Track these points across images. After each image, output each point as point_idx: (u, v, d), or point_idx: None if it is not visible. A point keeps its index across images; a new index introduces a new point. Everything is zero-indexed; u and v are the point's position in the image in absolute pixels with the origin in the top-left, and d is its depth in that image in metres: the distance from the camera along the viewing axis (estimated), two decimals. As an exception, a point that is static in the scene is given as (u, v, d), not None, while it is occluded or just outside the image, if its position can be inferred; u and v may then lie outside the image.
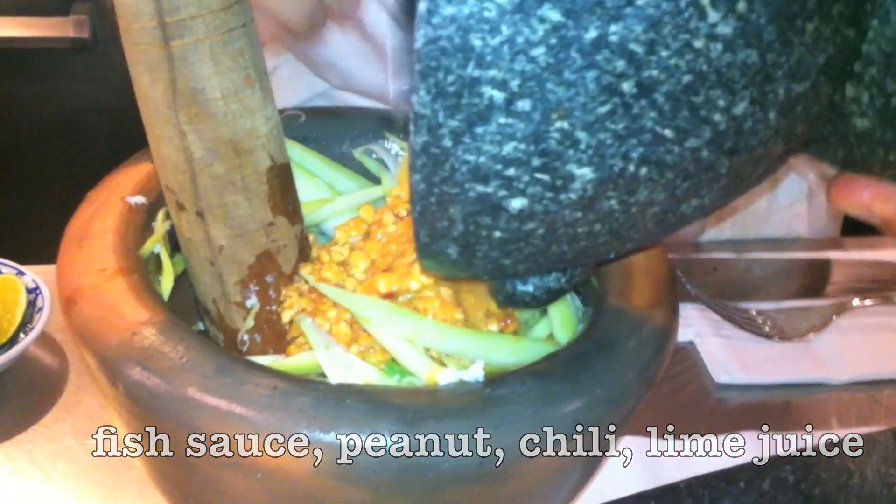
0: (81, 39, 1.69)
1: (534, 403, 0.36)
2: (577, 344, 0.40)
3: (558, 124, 0.29)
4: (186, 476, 0.39)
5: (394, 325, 0.40)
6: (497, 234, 0.33)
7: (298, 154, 0.51)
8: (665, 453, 0.65)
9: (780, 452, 0.60)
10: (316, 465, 0.34)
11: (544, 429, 0.36)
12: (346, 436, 0.34)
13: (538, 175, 0.30)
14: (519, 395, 0.36)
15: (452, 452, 0.34)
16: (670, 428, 0.67)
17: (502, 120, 0.29)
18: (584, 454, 0.39)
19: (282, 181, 0.44)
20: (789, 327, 0.76)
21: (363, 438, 0.34)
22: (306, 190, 0.50)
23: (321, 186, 0.51)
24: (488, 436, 0.35)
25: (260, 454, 0.35)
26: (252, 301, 0.45)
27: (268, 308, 0.45)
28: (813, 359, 0.74)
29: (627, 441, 0.65)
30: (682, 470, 0.60)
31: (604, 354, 0.39)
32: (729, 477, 0.57)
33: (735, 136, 0.31)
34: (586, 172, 0.30)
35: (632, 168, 0.31)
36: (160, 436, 0.37)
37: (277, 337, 0.45)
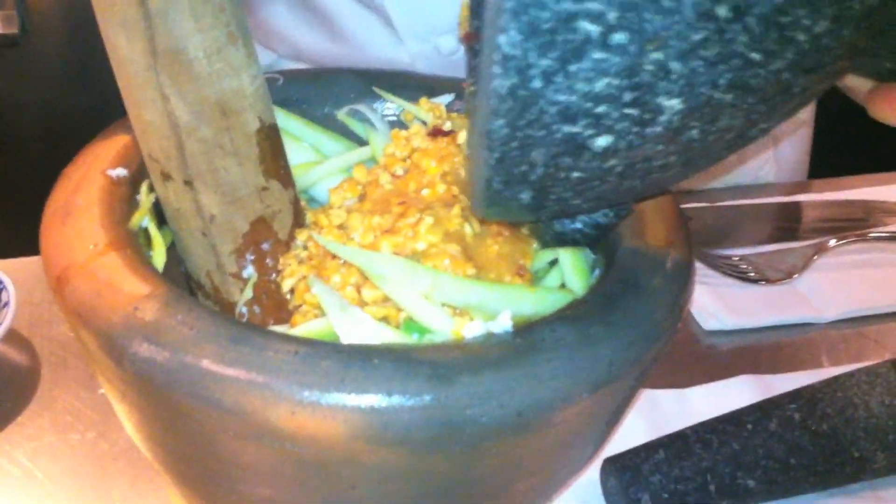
0: (10, 35, 1.63)
1: (568, 348, 0.35)
2: (602, 287, 0.38)
3: (653, 55, 0.28)
4: (205, 456, 0.36)
5: (411, 281, 0.38)
6: (576, 174, 0.32)
7: (281, 118, 0.49)
8: (663, 404, 0.64)
9: (778, 393, 0.60)
10: (349, 429, 0.32)
11: (581, 374, 0.34)
12: (379, 396, 0.32)
13: (627, 110, 0.30)
14: (552, 342, 0.35)
15: (490, 406, 0.33)
16: (664, 377, 0.67)
17: (597, 55, 0.28)
18: (619, 398, 0.38)
19: (271, 143, 0.42)
20: (771, 270, 0.76)
21: (396, 398, 0.32)
22: (292, 155, 0.48)
23: (307, 150, 0.49)
24: (526, 386, 0.33)
25: (288, 423, 0.33)
26: (249, 271, 0.43)
27: (266, 277, 0.43)
28: (798, 299, 0.74)
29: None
30: (686, 418, 0.59)
31: (631, 294, 0.38)
32: (736, 420, 0.57)
33: (814, 55, 0.31)
34: (675, 104, 0.30)
35: (718, 95, 0.30)
36: (175, 414, 0.35)
37: (277, 307, 0.43)
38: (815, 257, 0.77)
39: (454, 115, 0.49)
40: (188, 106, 0.39)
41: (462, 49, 0.74)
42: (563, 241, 0.40)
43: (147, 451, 0.40)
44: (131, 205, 0.42)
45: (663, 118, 0.30)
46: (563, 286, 0.43)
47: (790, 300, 0.74)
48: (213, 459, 0.36)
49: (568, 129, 0.30)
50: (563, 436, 0.36)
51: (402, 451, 0.33)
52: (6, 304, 0.64)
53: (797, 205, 0.86)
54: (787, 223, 0.83)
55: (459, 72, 0.77)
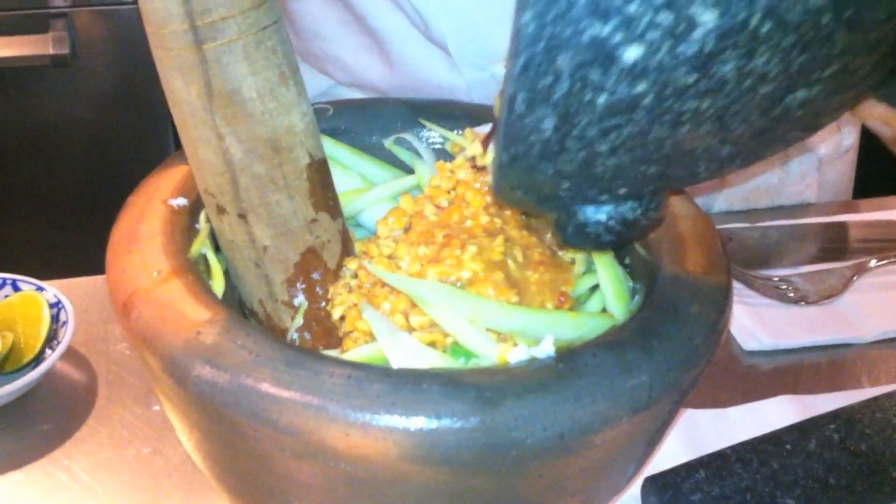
0: (61, 56, 1.68)
1: (609, 374, 0.36)
2: (642, 313, 0.40)
3: None
4: (262, 473, 0.38)
5: (456, 306, 0.40)
6: (603, 98, 0.31)
7: (330, 147, 0.51)
8: (702, 423, 0.65)
9: (818, 413, 0.60)
10: (398, 450, 0.34)
11: (622, 398, 0.36)
12: (427, 418, 0.34)
13: (661, 16, 0.28)
14: (593, 367, 0.36)
15: (534, 429, 0.34)
16: (704, 397, 0.68)
17: None
18: (659, 420, 0.39)
19: (321, 176, 0.44)
20: (811, 291, 0.77)
21: (444, 420, 0.34)
22: (340, 182, 0.50)
23: (354, 178, 0.51)
24: (568, 409, 0.35)
25: (341, 443, 0.34)
26: (300, 299, 0.45)
27: (316, 305, 0.45)
28: (838, 320, 0.75)
29: (665, 413, 0.65)
30: (726, 438, 0.60)
31: (670, 320, 0.39)
32: (775, 440, 0.57)
33: (855, 2, 0.30)
34: (710, 18, 0.29)
35: (755, 20, 0.29)
36: (234, 433, 0.37)
37: (327, 333, 0.45)
38: (856, 278, 0.77)
39: (497, 144, 0.50)
40: (242, 144, 0.41)
41: None
42: (584, 235, 0.37)
43: (205, 468, 0.42)
44: (191, 233, 0.45)
45: (697, 34, 0.29)
46: (604, 310, 0.45)
47: (830, 321, 0.75)
48: (268, 476, 0.38)
49: (598, 28, 0.29)
50: (605, 457, 0.38)
51: (448, 471, 0.35)
52: (65, 323, 0.67)
53: (838, 225, 0.87)
54: (828, 243, 0.84)
55: None
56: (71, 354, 0.69)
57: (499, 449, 0.35)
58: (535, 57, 0.30)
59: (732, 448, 0.58)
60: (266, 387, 0.35)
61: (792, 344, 0.72)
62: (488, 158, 0.42)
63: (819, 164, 0.94)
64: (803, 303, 0.76)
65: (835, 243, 0.84)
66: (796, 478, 0.56)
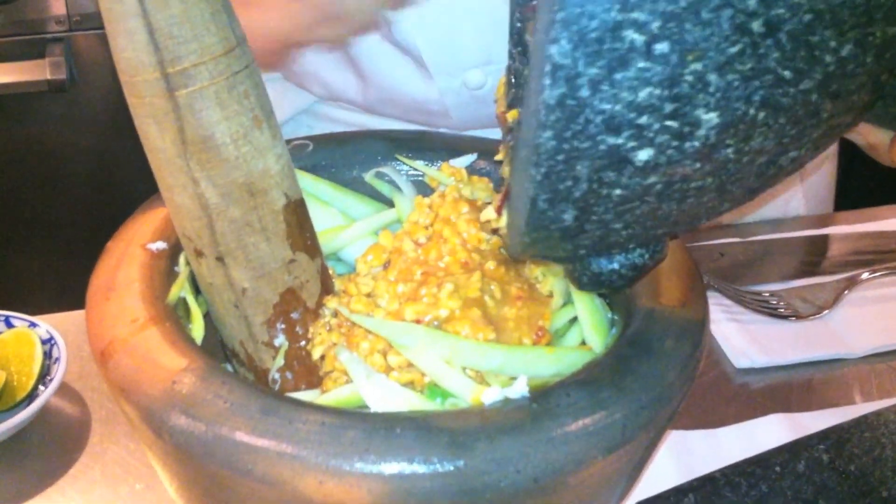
0: (58, 81, 1.68)
1: (581, 413, 0.36)
2: (616, 349, 0.40)
3: (692, 66, 0.30)
4: (241, 520, 0.39)
5: (431, 348, 0.40)
6: (617, 192, 0.33)
7: (310, 183, 0.51)
8: (694, 444, 0.65)
9: (809, 431, 0.60)
10: (373, 497, 0.34)
11: (595, 437, 0.36)
12: (401, 464, 0.34)
13: (668, 122, 0.31)
14: (566, 407, 0.36)
15: (507, 472, 0.35)
16: (696, 417, 0.68)
17: (641, 64, 0.30)
18: (636, 456, 0.39)
19: (298, 217, 0.44)
20: (802, 306, 0.77)
21: (418, 466, 0.34)
22: (321, 219, 0.50)
23: (335, 214, 0.51)
24: (542, 451, 0.35)
25: (316, 492, 0.35)
26: (280, 339, 0.45)
27: (297, 345, 0.45)
28: (829, 335, 0.75)
29: (657, 435, 0.65)
30: (716, 459, 0.60)
31: (644, 357, 0.39)
32: (764, 461, 0.58)
33: (839, 78, 0.32)
34: (712, 117, 0.31)
35: (752, 112, 0.32)
36: (211, 482, 0.37)
37: (309, 372, 0.45)
38: (846, 292, 0.77)
39: (475, 178, 0.50)
40: (217, 189, 0.41)
41: (487, 83, 0.76)
42: (599, 283, 0.40)
43: (189, 512, 0.42)
44: (171, 276, 0.45)
45: (700, 132, 0.32)
46: (583, 342, 0.45)
47: (821, 336, 0.75)
48: (249, 524, 0.38)
49: (612, 140, 0.32)
50: (582, 495, 0.38)
51: (424, 516, 0.35)
52: (57, 359, 0.67)
53: (828, 238, 0.87)
54: (819, 257, 0.84)
55: (485, 105, 0.78)
56: (64, 390, 0.69)
57: (473, 493, 0.35)
58: (556, 166, 0.33)
59: (721, 471, 0.58)
60: (241, 436, 0.35)
61: (784, 361, 0.72)
62: (503, 222, 0.44)
63: (802, 172, 0.95)
64: (794, 318, 0.76)
65: (824, 256, 0.84)
66: (785, 500, 0.56)
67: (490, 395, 0.38)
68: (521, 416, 0.36)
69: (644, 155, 0.32)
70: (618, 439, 0.36)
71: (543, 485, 0.35)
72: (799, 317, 0.76)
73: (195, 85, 0.40)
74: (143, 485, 0.62)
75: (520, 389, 0.38)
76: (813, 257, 0.84)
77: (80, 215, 1.66)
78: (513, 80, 0.43)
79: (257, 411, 0.36)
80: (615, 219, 0.35)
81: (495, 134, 0.47)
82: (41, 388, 0.67)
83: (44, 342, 0.69)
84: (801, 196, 0.95)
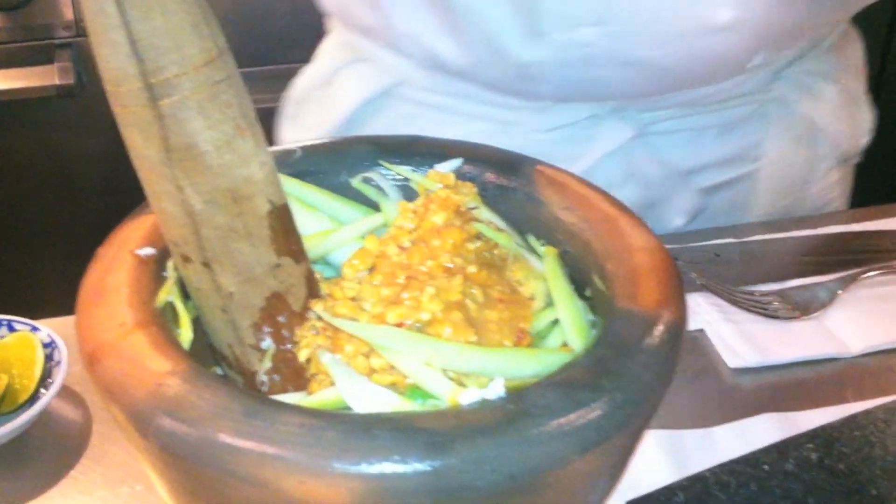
0: (67, 86, 1.70)
1: (558, 414, 0.37)
2: (593, 350, 0.40)
3: None
4: (227, 519, 0.39)
5: (412, 350, 0.41)
6: None
7: (298, 189, 0.52)
8: (688, 444, 0.66)
9: (802, 430, 0.61)
10: (353, 496, 0.35)
11: (571, 437, 0.36)
12: (379, 465, 0.35)
13: None
14: (542, 408, 0.37)
15: (484, 471, 0.35)
16: (689, 417, 0.68)
17: None
18: (613, 457, 0.40)
19: (282, 223, 0.45)
20: (797, 305, 0.77)
21: (396, 466, 0.35)
22: (309, 224, 0.51)
23: (323, 219, 0.52)
24: (517, 451, 0.36)
25: (297, 492, 0.35)
26: (267, 343, 0.46)
27: (283, 347, 0.46)
28: (824, 334, 0.75)
29: (648, 433, 0.66)
30: (709, 458, 0.61)
31: (620, 358, 0.40)
32: (753, 461, 0.58)
33: None
34: None
35: None
36: (198, 483, 0.38)
37: (296, 375, 0.46)
38: (842, 291, 0.78)
39: (460, 182, 0.51)
40: (202, 196, 0.42)
41: (599, 44, 0.75)
42: None
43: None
44: (159, 281, 0.46)
45: None
46: (565, 344, 0.46)
47: (816, 335, 0.75)
48: (235, 524, 0.39)
49: None
50: (560, 494, 0.39)
51: (404, 516, 0.36)
52: (58, 362, 0.68)
53: (825, 237, 0.87)
54: (814, 257, 0.84)
55: (592, 67, 0.78)
56: (65, 393, 0.70)
57: (451, 492, 0.35)
58: None
59: (711, 470, 0.58)
60: (224, 437, 0.36)
61: (778, 360, 0.73)
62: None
63: (843, 160, 0.96)
64: (789, 318, 0.76)
65: (820, 256, 0.84)
66: (774, 499, 0.56)
67: (467, 397, 0.39)
68: (497, 416, 0.37)
69: None
70: (594, 439, 0.37)
71: (520, 484, 0.36)
72: (793, 317, 0.76)
73: (177, 95, 0.40)
74: (143, 486, 0.63)
75: (497, 390, 0.39)
76: (808, 257, 0.84)
77: (86, 219, 1.67)
78: None
79: (240, 413, 0.37)
80: None
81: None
82: (42, 391, 0.68)
83: (45, 346, 0.70)
84: (846, 184, 0.97)
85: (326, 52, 1.01)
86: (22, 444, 0.66)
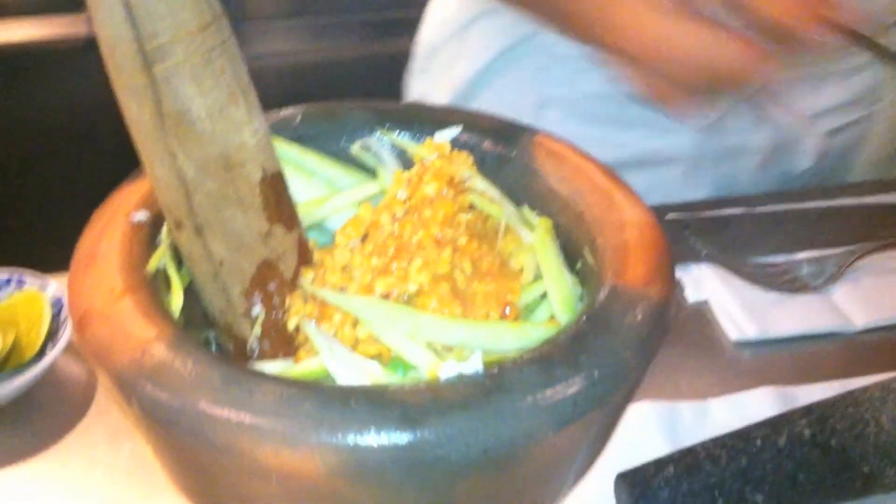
0: (95, 36, 1.69)
1: (533, 389, 0.37)
2: (574, 326, 0.40)
3: None
4: (210, 484, 0.40)
5: (394, 323, 0.41)
6: None
7: (296, 154, 0.52)
8: (683, 416, 0.66)
9: (799, 405, 0.61)
10: (327, 467, 0.35)
11: (545, 413, 0.37)
12: (354, 437, 0.35)
13: None
14: (518, 383, 0.37)
15: (457, 445, 0.36)
16: (688, 388, 0.68)
17: None
18: (590, 433, 0.40)
19: (275, 190, 0.45)
20: (804, 279, 0.77)
21: (370, 438, 0.35)
22: (306, 189, 0.51)
23: (320, 185, 0.52)
24: (491, 425, 0.36)
25: (273, 460, 0.36)
26: (257, 310, 0.46)
27: (274, 315, 0.46)
28: (828, 308, 0.75)
29: (645, 405, 0.66)
30: (704, 431, 0.61)
31: (600, 334, 0.40)
32: (745, 435, 0.58)
33: None
34: None
35: None
36: (178, 449, 0.39)
37: (286, 342, 0.46)
38: (849, 265, 0.77)
39: (455, 152, 0.51)
40: (194, 162, 0.42)
41: None
42: None
43: (166, 475, 0.44)
44: (152, 247, 0.46)
45: None
46: (553, 318, 0.46)
47: (820, 309, 0.74)
48: (215, 488, 0.40)
49: None
50: (536, 469, 0.39)
51: (377, 488, 0.36)
52: (65, 320, 0.69)
53: (835, 210, 0.86)
54: (825, 229, 0.83)
55: None
56: (71, 351, 0.71)
57: (424, 465, 0.36)
58: None
59: (702, 444, 0.58)
60: (203, 405, 0.37)
61: (779, 334, 0.73)
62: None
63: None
64: (795, 291, 0.76)
65: (832, 229, 0.83)
66: (765, 474, 0.56)
67: (446, 370, 0.39)
68: (472, 390, 0.37)
69: None
70: (569, 415, 0.37)
71: (494, 458, 0.36)
72: (799, 290, 0.76)
73: (171, 60, 0.41)
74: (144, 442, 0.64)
75: (474, 365, 0.39)
76: (819, 230, 0.84)
77: (107, 175, 1.68)
78: None
79: (219, 381, 0.37)
80: None
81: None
82: (49, 348, 0.69)
83: (53, 303, 0.71)
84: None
85: (455, 4, 0.99)
86: (27, 400, 0.67)
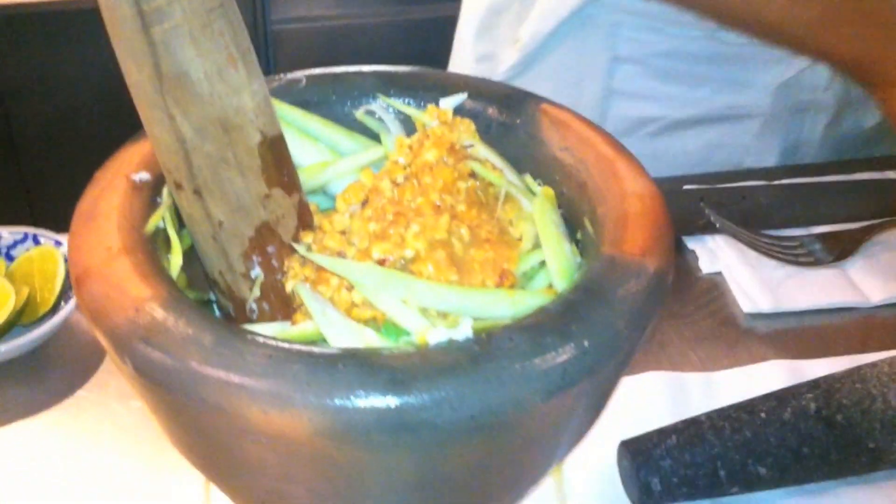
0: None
1: (521, 357, 0.37)
2: (568, 295, 0.40)
3: None
4: (202, 442, 0.41)
5: (388, 288, 0.41)
6: None
7: (299, 119, 0.52)
8: (691, 387, 0.65)
9: (807, 379, 0.60)
10: (314, 428, 0.36)
11: (533, 381, 0.37)
12: (341, 399, 0.35)
13: None
14: (507, 350, 0.37)
15: (444, 410, 0.36)
16: (698, 360, 0.68)
17: None
18: (581, 402, 0.40)
19: (274, 154, 0.45)
20: (819, 253, 0.76)
21: (357, 400, 0.35)
22: (308, 154, 0.51)
23: (323, 150, 0.52)
24: (478, 391, 0.36)
25: (261, 421, 0.36)
26: (256, 272, 0.46)
27: (273, 278, 0.46)
28: (845, 283, 0.74)
29: (653, 375, 0.66)
30: (708, 402, 0.61)
31: (594, 304, 0.39)
32: (750, 407, 0.58)
33: None
34: None
35: None
36: (172, 408, 0.39)
37: (285, 304, 0.47)
38: (867, 240, 0.76)
39: (458, 119, 0.51)
40: (192, 124, 0.42)
41: None
42: None
43: (163, 433, 0.44)
44: (152, 208, 0.46)
45: None
46: (550, 286, 0.45)
47: (836, 284, 0.74)
48: (208, 446, 0.40)
49: None
50: (526, 437, 0.39)
51: (363, 450, 0.37)
52: (79, 278, 0.70)
53: (852, 184, 0.85)
54: (844, 203, 0.82)
55: None
56: (84, 308, 0.72)
57: (411, 428, 0.36)
58: None
59: (707, 415, 0.58)
60: (194, 365, 0.37)
61: (793, 307, 0.72)
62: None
63: None
64: (811, 265, 0.75)
65: (851, 203, 0.82)
66: (768, 447, 0.56)
67: (435, 336, 0.39)
68: (461, 356, 0.37)
69: None
70: (558, 383, 0.37)
71: (481, 424, 0.36)
72: (814, 264, 0.75)
73: (169, 22, 0.40)
74: (151, 402, 0.65)
75: (464, 331, 0.39)
76: (836, 204, 0.82)
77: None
78: None
79: (211, 342, 0.37)
80: None
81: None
82: (63, 304, 0.70)
83: (67, 260, 0.71)
84: None
85: None
86: (40, 355, 0.69)
